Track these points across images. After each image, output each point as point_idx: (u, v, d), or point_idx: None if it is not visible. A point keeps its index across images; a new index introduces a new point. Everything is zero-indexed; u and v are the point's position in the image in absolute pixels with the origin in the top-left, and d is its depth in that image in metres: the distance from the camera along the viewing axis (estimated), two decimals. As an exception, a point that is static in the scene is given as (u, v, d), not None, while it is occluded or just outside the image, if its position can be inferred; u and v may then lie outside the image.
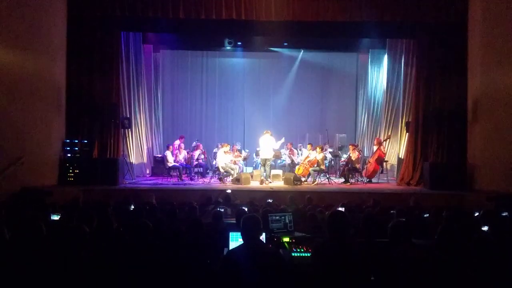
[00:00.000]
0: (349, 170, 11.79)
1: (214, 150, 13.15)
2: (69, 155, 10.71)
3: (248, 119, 15.66)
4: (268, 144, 11.28)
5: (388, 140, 12.86)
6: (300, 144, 13.99)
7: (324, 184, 11.53)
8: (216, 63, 15.80)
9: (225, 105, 15.91)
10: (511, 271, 3.21)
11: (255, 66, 15.71)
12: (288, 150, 13.16)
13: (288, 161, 12.91)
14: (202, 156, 12.67)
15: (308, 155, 11.86)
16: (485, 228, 4.64)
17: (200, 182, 11.71)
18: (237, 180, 11.20)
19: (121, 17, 11.06)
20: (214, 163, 12.45)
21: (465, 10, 10.92)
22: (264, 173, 11.41)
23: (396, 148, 12.94)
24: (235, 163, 12.04)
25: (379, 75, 14.34)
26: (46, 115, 10.28)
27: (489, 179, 10.01)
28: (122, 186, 10.54)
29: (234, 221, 5.48)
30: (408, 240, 3.48)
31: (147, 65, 13.90)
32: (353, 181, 11.77)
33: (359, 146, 13.53)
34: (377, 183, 11.91)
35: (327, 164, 12.33)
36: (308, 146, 12.22)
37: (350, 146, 12.16)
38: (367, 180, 11.87)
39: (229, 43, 13.68)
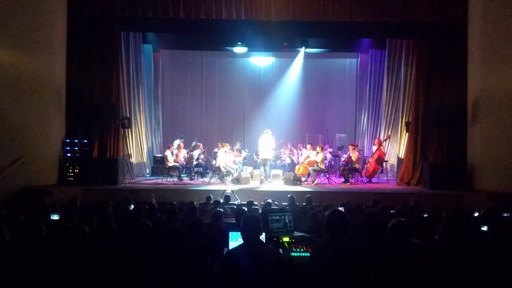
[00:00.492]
0: (349, 170, 11.79)
1: (215, 150, 13.14)
2: (69, 154, 10.71)
3: (248, 118, 15.65)
4: (268, 144, 11.28)
5: (388, 140, 12.86)
6: (300, 144, 13.99)
7: (324, 184, 11.53)
8: (216, 63, 15.78)
9: (225, 105, 15.89)
10: (511, 271, 3.21)
11: (255, 65, 15.69)
12: (288, 150, 13.16)
13: (288, 161, 12.91)
14: (202, 156, 12.66)
15: (308, 155, 11.86)
16: (484, 228, 4.64)
17: (200, 182, 11.70)
18: (237, 180, 11.20)
19: (121, 17, 11.08)
20: (214, 162, 12.44)
21: (465, 10, 10.92)
22: (264, 173, 11.39)
23: (396, 148, 12.94)
24: (234, 162, 12.04)
25: (379, 75, 14.33)
26: (46, 114, 10.29)
27: (488, 179, 10.01)
28: (122, 186, 10.55)
29: (234, 221, 5.49)
30: (408, 240, 3.47)
31: (147, 64, 13.90)
32: (353, 181, 11.78)
33: (359, 146, 13.53)
34: (377, 183, 11.91)
35: (326, 164, 12.32)
36: (308, 146, 12.22)
37: (350, 146, 12.16)
38: (367, 180, 11.87)
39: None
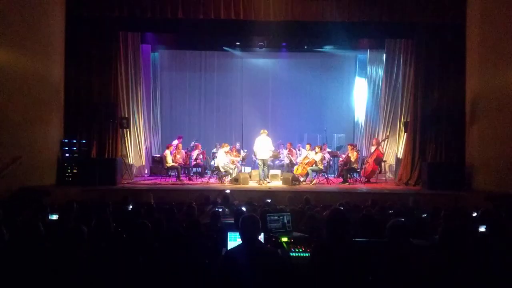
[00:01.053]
0: (348, 170, 11.80)
1: (213, 150, 13.15)
2: (67, 155, 10.70)
3: (247, 119, 15.66)
4: (265, 145, 11.23)
5: (387, 140, 12.87)
6: (299, 145, 14.00)
7: (323, 184, 11.54)
8: (214, 63, 15.79)
9: (223, 105, 15.90)
10: (509, 270, 3.22)
11: (254, 66, 15.70)
12: (287, 150, 13.16)
13: (286, 161, 12.91)
14: (201, 156, 12.66)
15: (306, 155, 11.87)
16: (483, 228, 4.65)
17: (198, 182, 11.70)
18: (235, 180, 11.21)
19: (119, 17, 11.07)
20: (212, 163, 12.43)
21: (464, 10, 10.95)
22: (263, 173, 11.35)
23: (395, 148, 12.96)
24: (233, 163, 12.04)
25: (377, 75, 14.35)
26: (44, 115, 10.28)
27: (487, 179, 10.03)
28: (121, 186, 10.54)
29: (233, 221, 5.48)
30: (407, 240, 3.48)
31: (146, 65, 13.90)
32: (351, 181, 11.79)
33: (357, 146, 13.54)
34: (376, 183, 11.91)
35: (325, 164, 12.32)
36: (307, 146, 12.22)
37: (349, 146, 12.17)
38: (366, 180, 11.88)
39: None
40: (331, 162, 13.38)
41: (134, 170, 12.65)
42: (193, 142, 13.37)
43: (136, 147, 13.05)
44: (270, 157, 11.88)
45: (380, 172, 12.48)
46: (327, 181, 11.68)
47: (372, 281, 3.20)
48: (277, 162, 13.10)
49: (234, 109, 15.91)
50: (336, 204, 7.38)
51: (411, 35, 11.81)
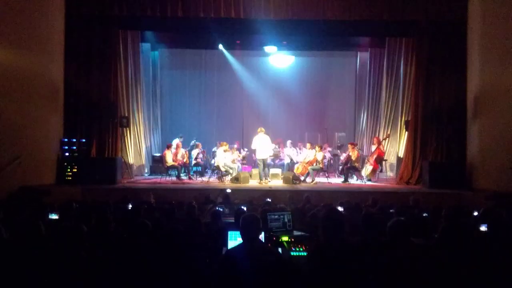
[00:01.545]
0: (348, 169, 11.78)
1: (213, 149, 13.13)
2: (67, 154, 10.69)
3: (247, 118, 15.64)
4: (264, 144, 11.16)
5: (388, 139, 12.86)
6: (300, 143, 13.98)
7: (323, 183, 11.52)
8: (214, 62, 15.75)
9: (223, 104, 15.88)
10: (510, 270, 3.20)
11: (254, 64, 15.67)
12: (288, 147, 13.04)
13: (287, 160, 12.89)
14: (201, 155, 12.64)
15: (307, 154, 11.85)
16: (484, 227, 4.63)
17: (198, 181, 11.69)
18: (236, 179, 11.19)
19: (119, 16, 11.06)
20: (213, 162, 12.42)
21: (465, 8, 10.93)
22: (263, 172, 11.31)
23: (396, 147, 12.94)
24: (234, 162, 12.02)
25: (378, 74, 14.33)
26: (44, 114, 10.27)
27: (488, 178, 10.01)
28: (121, 185, 10.53)
29: (233, 220, 5.48)
30: (407, 239, 3.46)
31: (146, 63, 13.90)
32: (352, 180, 11.77)
33: (358, 145, 13.53)
34: (376, 182, 11.90)
35: (326, 163, 12.31)
36: (308, 144, 12.20)
37: (350, 145, 12.15)
38: (366, 179, 11.87)
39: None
40: (331, 161, 13.37)
41: (134, 169, 12.64)
42: (193, 141, 13.35)
43: (136, 146, 13.04)
44: (271, 156, 11.85)
45: (381, 171, 12.48)
46: (328, 180, 11.66)
47: (373, 281, 3.19)
48: (277, 161, 13.07)
49: (234, 108, 15.89)
50: (337, 203, 7.38)
51: (412, 34, 11.79)
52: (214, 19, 11.03)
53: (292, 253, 3.78)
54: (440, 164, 10.86)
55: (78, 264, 3.25)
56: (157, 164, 13.11)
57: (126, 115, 12.14)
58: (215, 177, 11.99)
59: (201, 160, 12.63)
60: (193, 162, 12.51)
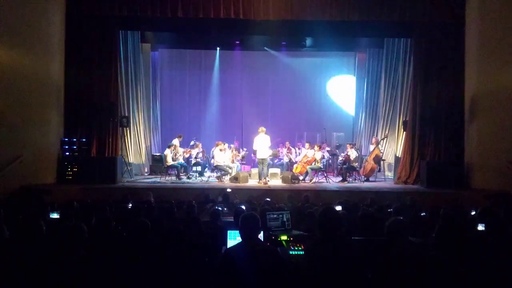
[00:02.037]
0: (347, 168, 11.82)
1: (212, 149, 13.15)
2: (67, 153, 10.71)
3: (246, 118, 15.65)
4: (264, 144, 11.19)
5: (386, 139, 12.90)
6: (300, 143, 14.01)
7: (322, 182, 11.56)
8: (214, 62, 15.79)
9: (223, 104, 15.89)
10: (508, 269, 3.24)
11: (254, 65, 15.70)
12: (286, 149, 13.16)
13: (286, 159, 12.93)
14: (201, 155, 12.67)
15: (306, 154, 11.89)
16: (481, 227, 4.67)
17: (198, 181, 11.71)
18: (235, 179, 11.22)
19: (119, 16, 11.06)
20: (212, 161, 12.44)
21: (462, 9, 10.96)
22: (262, 172, 11.33)
23: (394, 147, 12.98)
24: (233, 161, 12.05)
25: (376, 74, 14.37)
26: (45, 113, 10.29)
27: (486, 177, 10.05)
28: (121, 185, 10.55)
29: (232, 220, 5.51)
30: (406, 239, 3.50)
31: (146, 63, 13.90)
32: (350, 179, 11.81)
33: (356, 145, 13.57)
34: (375, 181, 11.93)
35: (324, 163, 12.34)
36: (307, 144, 12.23)
37: (348, 145, 12.20)
38: (365, 178, 11.90)
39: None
40: (330, 161, 13.40)
41: (134, 169, 12.66)
42: (193, 141, 13.37)
43: (136, 146, 13.07)
44: (270, 155, 11.88)
45: (379, 170, 12.51)
46: (326, 180, 11.70)
47: (371, 280, 3.22)
48: (276, 160, 13.11)
49: (233, 108, 15.89)
50: (335, 202, 7.41)
51: (410, 34, 11.82)
52: (214, 19, 11.05)
53: (290, 252, 3.80)
54: (438, 164, 10.89)
55: (79, 263, 3.28)
56: (157, 164, 13.12)
57: (126, 114, 12.17)
58: (215, 176, 12.01)
59: (201, 159, 12.66)
60: (193, 161, 12.53)
